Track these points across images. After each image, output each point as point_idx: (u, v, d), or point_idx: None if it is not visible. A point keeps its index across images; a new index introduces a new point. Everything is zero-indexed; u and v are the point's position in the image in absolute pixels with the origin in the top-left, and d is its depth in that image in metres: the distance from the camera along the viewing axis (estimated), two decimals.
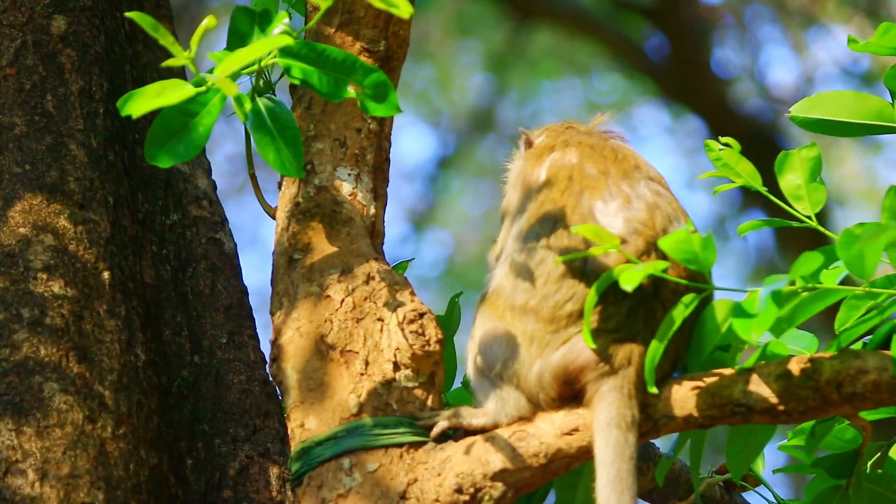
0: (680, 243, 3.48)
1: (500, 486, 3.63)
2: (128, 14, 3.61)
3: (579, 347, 3.58)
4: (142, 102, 3.56)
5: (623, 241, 3.59)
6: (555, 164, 3.78)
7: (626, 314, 3.58)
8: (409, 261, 4.38)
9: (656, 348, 3.47)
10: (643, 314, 3.59)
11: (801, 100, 3.69)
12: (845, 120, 3.65)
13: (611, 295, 3.54)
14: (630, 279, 3.40)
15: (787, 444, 4.04)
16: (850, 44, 3.55)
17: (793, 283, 3.43)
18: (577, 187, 3.69)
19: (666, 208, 3.68)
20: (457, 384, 4.58)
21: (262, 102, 3.69)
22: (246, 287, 4.56)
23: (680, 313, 3.48)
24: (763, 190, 3.59)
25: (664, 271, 3.50)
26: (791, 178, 3.58)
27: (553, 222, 3.66)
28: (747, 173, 3.60)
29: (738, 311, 3.39)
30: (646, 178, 3.72)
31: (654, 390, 3.48)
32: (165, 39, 3.58)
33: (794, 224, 3.59)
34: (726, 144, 3.58)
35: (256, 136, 3.66)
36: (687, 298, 3.50)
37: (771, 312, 3.34)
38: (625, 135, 3.90)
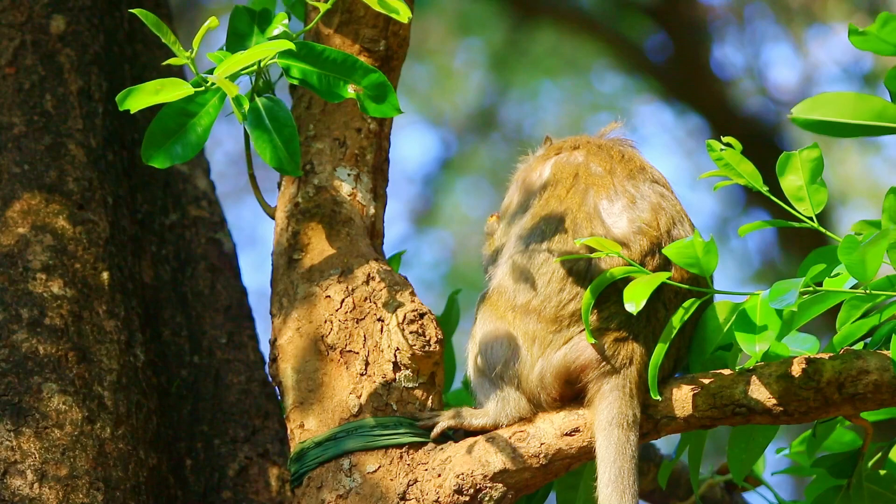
0: (682, 248, 3.48)
1: (500, 486, 3.62)
2: (132, 10, 3.61)
3: (581, 346, 3.58)
4: (140, 98, 3.56)
5: (627, 242, 3.59)
6: (559, 163, 3.78)
7: (627, 314, 3.57)
8: (402, 253, 4.38)
9: (659, 354, 3.47)
10: (645, 314, 3.59)
11: (802, 101, 3.68)
12: (847, 121, 3.64)
13: (613, 294, 3.54)
14: (636, 295, 3.40)
15: (789, 452, 4.03)
16: (850, 35, 3.54)
17: (803, 293, 3.43)
18: (583, 185, 3.69)
19: (670, 210, 3.68)
20: (457, 384, 4.58)
21: (260, 101, 3.69)
22: (245, 287, 4.55)
23: (679, 318, 3.48)
24: (764, 190, 3.58)
25: (668, 277, 3.50)
26: (792, 179, 3.57)
27: (558, 221, 3.65)
28: (748, 173, 3.59)
29: (741, 320, 3.38)
30: (650, 181, 3.73)
31: (656, 396, 3.49)
32: (168, 38, 3.58)
33: (796, 225, 3.58)
34: (728, 144, 3.58)
35: (254, 134, 3.66)
36: (687, 303, 3.50)
37: (774, 325, 3.34)
38: (634, 141, 3.90)
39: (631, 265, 3.52)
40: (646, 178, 3.73)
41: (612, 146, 3.81)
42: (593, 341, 3.54)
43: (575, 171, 3.73)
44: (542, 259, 3.63)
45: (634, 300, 3.40)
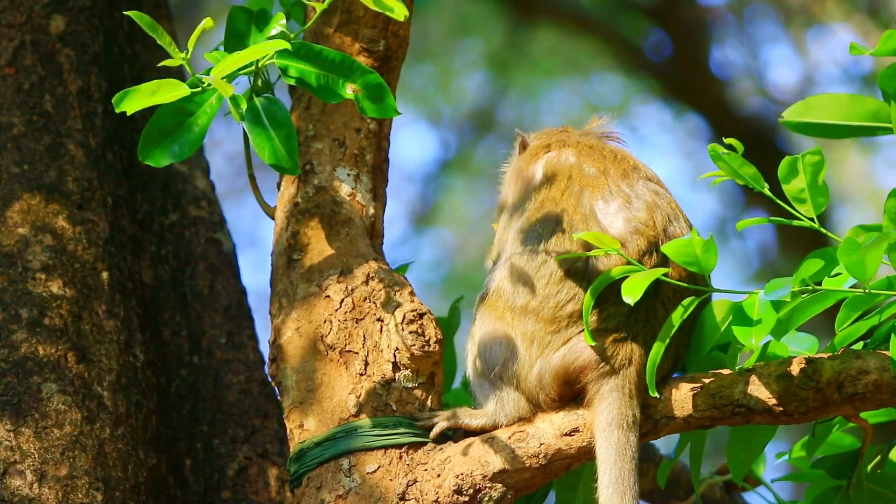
0: (681, 246, 3.48)
1: (499, 486, 3.62)
2: (127, 12, 3.61)
3: (580, 347, 3.58)
4: (137, 100, 3.55)
5: (624, 241, 3.59)
6: (551, 163, 3.77)
7: (626, 314, 3.57)
8: (409, 264, 4.38)
9: (657, 352, 3.47)
10: (644, 314, 3.59)
11: (794, 104, 3.69)
12: (840, 123, 3.64)
13: (612, 295, 3.54)
14: (632, 289, 3.40)
15: (789, 458, 4.03)
16: (852, 50, 3.54)
17: (802, 292, 3.44)
18: (577, 187, 3.68)
19: (665, 208, 3.68)
20: (456, 385, 4.58)
21: (258, 101, 3.68)
22: (245, 287, 4.55)
23: (678, 316, 3.48)
24: (766, 191, 3.58)
25: (665, 273, 3.50)
26: (794, 182, 3.57)
27: (554, 223, 3.65)
28: (750, 176, 3.59)
29: (738, 315, 3.39)
30: (644, 179, 3.72)
31: (654, 394, 3.49)
32: (163, 39, 3.57)
33: (795, 223, 3.58)
34: (730, 146, 3.58)
35: (252, 133, 3.66)
36: (686, 301, 3.50)
37: (770, 318, 3.34)
38: (621, 136, 3.91)
39: (630, 264, 3.52)
40: (639, 176, 3.73)
41: (604, 146, 3.80)
42: (593, 343, 3.54)
43: (568, 173, 3.72)
44: (541, 260, 3.63)
45: (631, 294, 3.41)
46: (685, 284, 3.56)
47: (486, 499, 3.62)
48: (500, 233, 3.85)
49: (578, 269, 3.60)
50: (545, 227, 3.66)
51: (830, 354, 3.52)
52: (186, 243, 4.51)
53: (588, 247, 3.56)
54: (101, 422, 3.90)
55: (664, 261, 3.58)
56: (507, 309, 3.66)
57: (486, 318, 3.71)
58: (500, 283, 3.70)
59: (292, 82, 3.67)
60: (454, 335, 4.50)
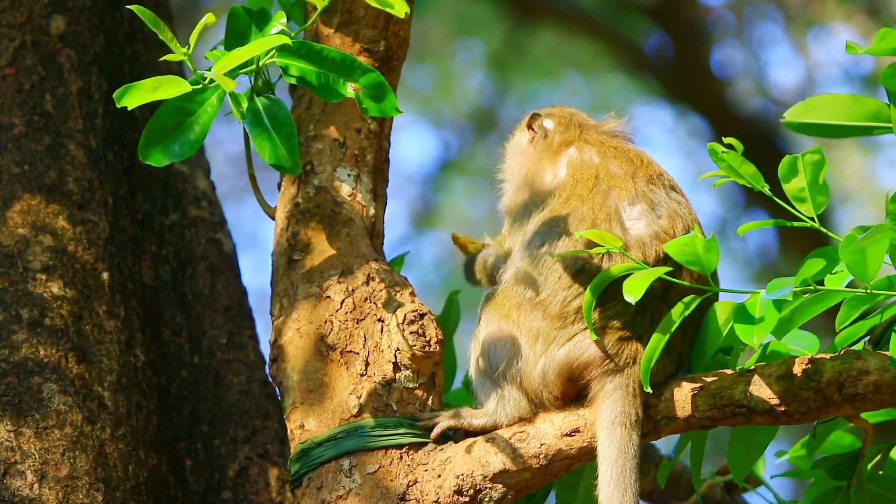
0: (683, 245, 3.49)
1: (500, 487, 3.62)
2: (130, 6, 3.61)
3: (585, 344, 3.58)
4: (138, 95, 3.55)
5: (643, 245, 3.59)
6: (575, 161, 3.77)
7: (633, 314, 3.58)
8: (405, 255, 4.37)
9: (655, 346, 3.47)
10: (650, 315, 3.59)
11: (795, 104, 3.69)
12: (841, 123, 3.65)
13: (618, 293, 3.54)
14: (634, 288, 3.40)
15: (789, 457, 4.04)
16: (847, 49, 3.54)
17: (804, 292, 3.44)
18: (605, 186, 3.69)
19: (686, 218, 3.70)
20: (457, 384, 4.58)
21: (259, 101, 3.69)
22: (245, 288, 4.55)
23: (679, 312, 3.48)
24: (766, 190, 3.58)
25: (670, 275, 3.50)
26: (795, 181, 3.57)
27: (578, 220, 3.64)
28: (750, 175, 3.59)
29: (740, 314, 3.40)
30: (668, 187, 3.74)
31: (648, 389, 3.49)
32: (165, 35, 3.57)
33: (796, 224, 3.59)
34: (730, 146, 3.58)
35: (253, 133, 3.66)
36: (687, 299, 3.50)
37: (772, 317, 3.35)
38: (632, 137, 3.91)
39: (635, 263, 3.52)
40: (663, 184, 3.74)
41: (628, 148, 3.81)
42: (596, 338, 3.54)
43: (595, 172, 3.73)
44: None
45: (632, 292, 3.41)
46: (687, 283, 3.56)
47: (487, 499, 3.62)
48: (510, 226, 3.82)
49: (592, 267, 3.60)
50: (567, 224, 3.65)
51: (831, 355, 3.52)
52: (187, 243, 4.51)
53: (595, 245, 3.56)
54: (101, 422, 3.90)
55: (679, 270, 3.58)
56: (514, 306, 3.66)
57: (491, 317, 3.71)
58: (510, 278, 3.69)
59: (293, 81, 3.68)
60: (454, 331, 4.49)
